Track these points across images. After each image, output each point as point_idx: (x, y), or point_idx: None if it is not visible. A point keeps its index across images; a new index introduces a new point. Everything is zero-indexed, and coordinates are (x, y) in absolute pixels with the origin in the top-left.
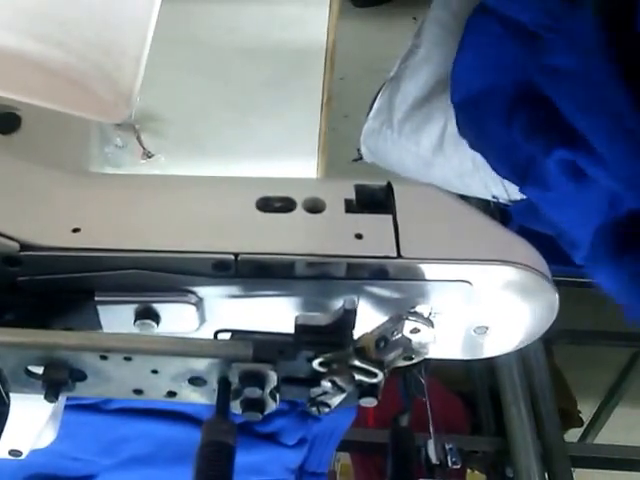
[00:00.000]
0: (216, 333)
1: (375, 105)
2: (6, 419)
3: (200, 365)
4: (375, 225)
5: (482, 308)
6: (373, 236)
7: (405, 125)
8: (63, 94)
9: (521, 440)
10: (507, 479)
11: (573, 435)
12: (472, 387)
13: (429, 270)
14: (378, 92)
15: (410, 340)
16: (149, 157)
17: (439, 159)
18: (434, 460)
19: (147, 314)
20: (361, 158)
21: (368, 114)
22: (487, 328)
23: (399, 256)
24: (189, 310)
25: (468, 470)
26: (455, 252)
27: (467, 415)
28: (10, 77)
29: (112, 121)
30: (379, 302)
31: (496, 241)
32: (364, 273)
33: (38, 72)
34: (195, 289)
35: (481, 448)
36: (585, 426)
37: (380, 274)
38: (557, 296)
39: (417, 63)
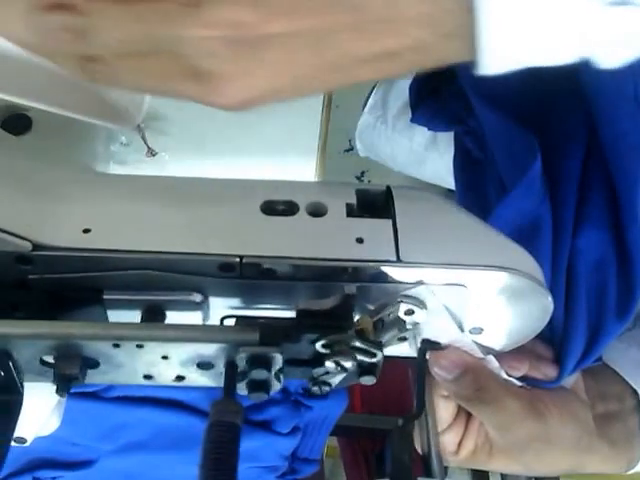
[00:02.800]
0: (222, 319)
1: (370, 101)
2: (21, 408)
3: (209, 350)
4: (375, 229)
5: (477, 310)
6: (373, 240)
7: (399, 120)
8: (76, 101)
9: None
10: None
11: None
12: None
13: (427, 274)
14: (372, 88)
15: (404, 321)
16: (153, 155)
17: (432, 154)
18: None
19: (153, 312)
20: (352, 149)
21: (363, 109)
22: (482, 329)
23: (398, 260)
24: (194, 309)
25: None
26: (452, 257)
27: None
28: (25, 84)
29: (123, 127)
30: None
31: (492, 247)
32: (364, 276)
33: (52, 79)
34: (200, 289)
35: None
36: None
37: (380, 277)
38: (550, 299)
39: None
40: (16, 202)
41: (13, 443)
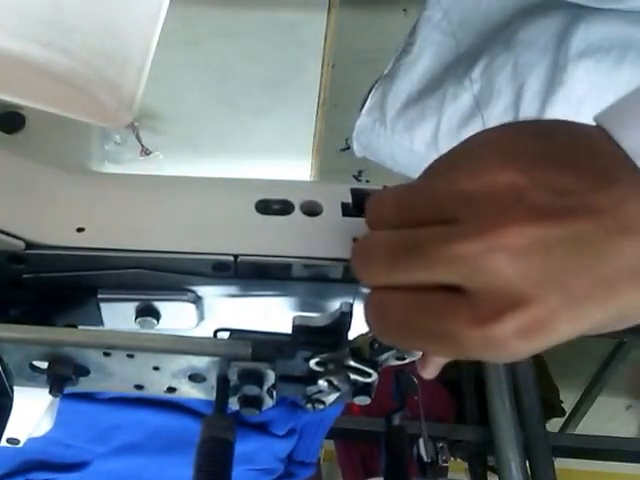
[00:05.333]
0: (215, 332)
1: (367, 103)
2: (10, 411)
3: (200, 363)
4: None
5: None
6: None
7: (398, 122)
8: (66, 99)
9: (504, 430)
10: (489, 468)
11: (555, 425)
12: (457, 376)
13: None
14: (370, 90)
15: None
16: (147, 154)
17: (433, 155)
18: (426, 458)
19: (148, 311)
20: (349, 148)
21: (360, 110)
22: None
23: None
24: (188, 308)
25: (451, 458)
26: None
27: (451, 404)
28: (15, 82)
29: (113, 126)
30: None
31: None
32: None
33: (43, 77)
34: (195, 288)
35: (464, 437)
36: (566, 416)
37: None
38: None
39: (410, 62)
40: (9, 201)
41: (6, 444)
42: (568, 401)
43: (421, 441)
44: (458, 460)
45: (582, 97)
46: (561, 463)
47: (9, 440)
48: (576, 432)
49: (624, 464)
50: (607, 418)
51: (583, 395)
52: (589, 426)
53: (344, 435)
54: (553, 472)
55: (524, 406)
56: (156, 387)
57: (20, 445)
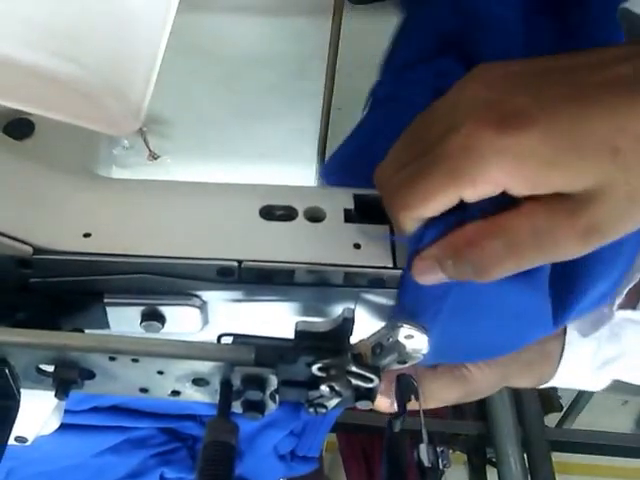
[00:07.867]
0: (219, 337)
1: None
2: (17, 413)
3: (204, 368)
4: (373, 235)
5: None
6: (371, 246)
7: None
8: (74, 107)
9: (502, 425)
10: (488, 461)
11: (552, 420)
12: None
13: None
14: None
15: (404, 346)
16: (155, 158)
17: None
18: (426, 463)
19: (153, 316)
20: None
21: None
22: None
23: (395, 266)
24: (193, 313)
25: (450, 451)
26: None
27: None
28: (23, 90)
29: (120, 134)
30: (375, 309)
31: None
32: (361, 281)
33: (50, 85)
34: (199, 293)
35: (463, 431)
36: (564, 411)
37: (377, 283)
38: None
39: None
40: (17, 206)
41: (15, 442)
42: (566, 396)
43: (422, 446)
44: (457, 452)
45: None
46: (558, 457)
47: (17, 439)
48: (573, 427)
49: (620, 459)
50: (604, 414)
51: (580, 391)
52: (586, 421)
53: (346, 428)
54: (551, 466)
55: (522, 401)
56: (160, 390)
57: (28, 443)
